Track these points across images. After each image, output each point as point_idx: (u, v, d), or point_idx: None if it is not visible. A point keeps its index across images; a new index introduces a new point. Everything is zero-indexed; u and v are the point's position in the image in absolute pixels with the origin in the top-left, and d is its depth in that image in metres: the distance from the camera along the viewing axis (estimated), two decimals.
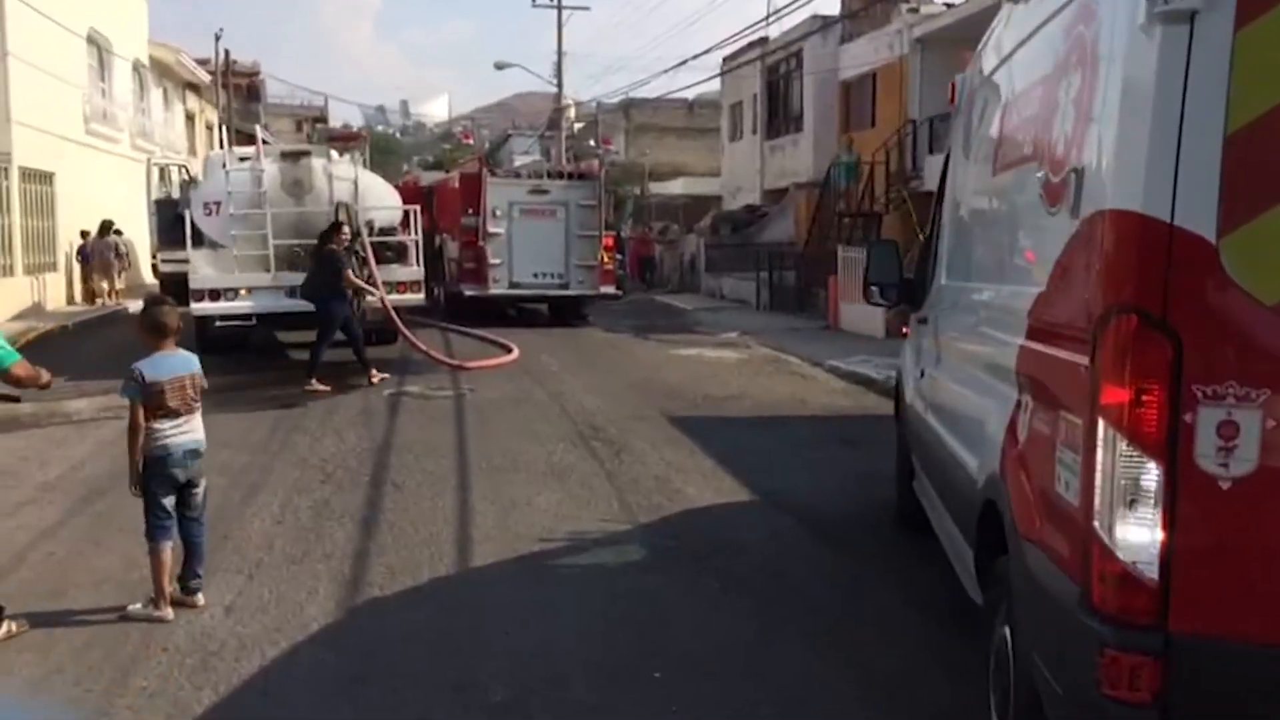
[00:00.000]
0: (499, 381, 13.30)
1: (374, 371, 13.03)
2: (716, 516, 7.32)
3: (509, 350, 15.65)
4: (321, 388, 12.35)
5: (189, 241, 14.32)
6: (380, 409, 11.35)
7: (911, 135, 23.02)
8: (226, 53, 38.65)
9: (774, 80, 31.23)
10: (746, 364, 15.55)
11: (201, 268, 14.33)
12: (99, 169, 24.91)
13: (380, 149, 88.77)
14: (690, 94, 44.24)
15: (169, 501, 5.55)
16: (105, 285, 23.30)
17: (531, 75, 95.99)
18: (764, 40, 30.94)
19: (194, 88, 37.70)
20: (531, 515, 7.23)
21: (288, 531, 6.84)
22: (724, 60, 33.41)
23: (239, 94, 43.50)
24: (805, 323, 21.07)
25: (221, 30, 40.01)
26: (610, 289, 20.94)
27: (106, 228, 23.34)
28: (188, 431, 5.68)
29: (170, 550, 5.50)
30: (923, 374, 5.90)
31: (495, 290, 19.86)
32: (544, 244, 19.91)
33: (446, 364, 14.06)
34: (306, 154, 15.02)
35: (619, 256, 27.02)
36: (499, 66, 41.99)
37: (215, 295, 14.01)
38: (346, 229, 13.41)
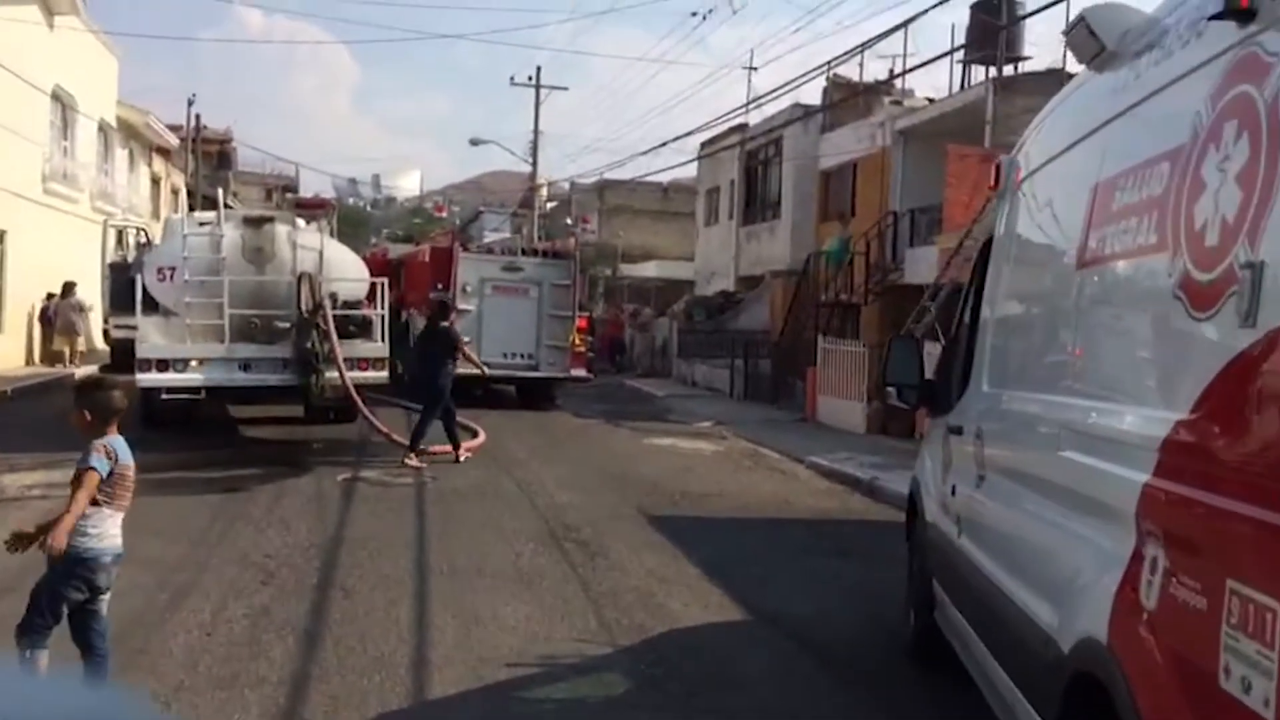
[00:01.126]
0: (464, 468, 12.44)
1: (463, 448, 13.13)
2: (707, 639, 6.49)
3: (475, 434, 14.80)
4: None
5: (139, 307, 13.45)
6: (334, 496, 10.45)
7: (892, 226, 22.66)
8: (197, 117, 38.15)
9: (752, 166, 31.02)
10: (724, 457, 14.79)
11: (151, 336, 13.43)
12: (56, 229, 24.00)
13: (350, 221, 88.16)
14: (665, 178, 44.11)
15: (65, 608, 4.71)
16: (68, 349, 22.77)
17: (505, 154, 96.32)
18: (743, 126, 30.78)
19: (162, 151, 36.99)
20: (498, 632, 6.37)
21: (217, 646, 5.93)
22: (702, 145, 33.24)
23: (209, 160, 42.88)
24: (781, 414, 20.39)
25: (195, 95, 39.57)
26: (581, 372, 20.18)
27: (69, 288, 22.70)
28: (117, 534, 4.88)
29: (46, 661, 4.65)
30: (954, 491, 5.17)
31: (462, 370, 18.99)
32: (515, 323, 19.17)
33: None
34: (270, 220, 14.28)
35: (590, 339, 26.35)
36: (474, 143, 41.97)
37: (163, 365, 13.10)
38: (442, 313, 13.87)
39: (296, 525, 9.04)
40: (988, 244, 5.36)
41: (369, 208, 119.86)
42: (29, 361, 22.90)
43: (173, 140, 36.03)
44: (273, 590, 7.05)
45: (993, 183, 5.18)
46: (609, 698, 5.45)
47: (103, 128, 28.64)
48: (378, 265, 22.13)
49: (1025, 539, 3.94)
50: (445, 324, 13.64)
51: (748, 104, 28.55)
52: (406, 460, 12.31)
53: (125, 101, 30.64)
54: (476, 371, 18.91)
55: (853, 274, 22.87)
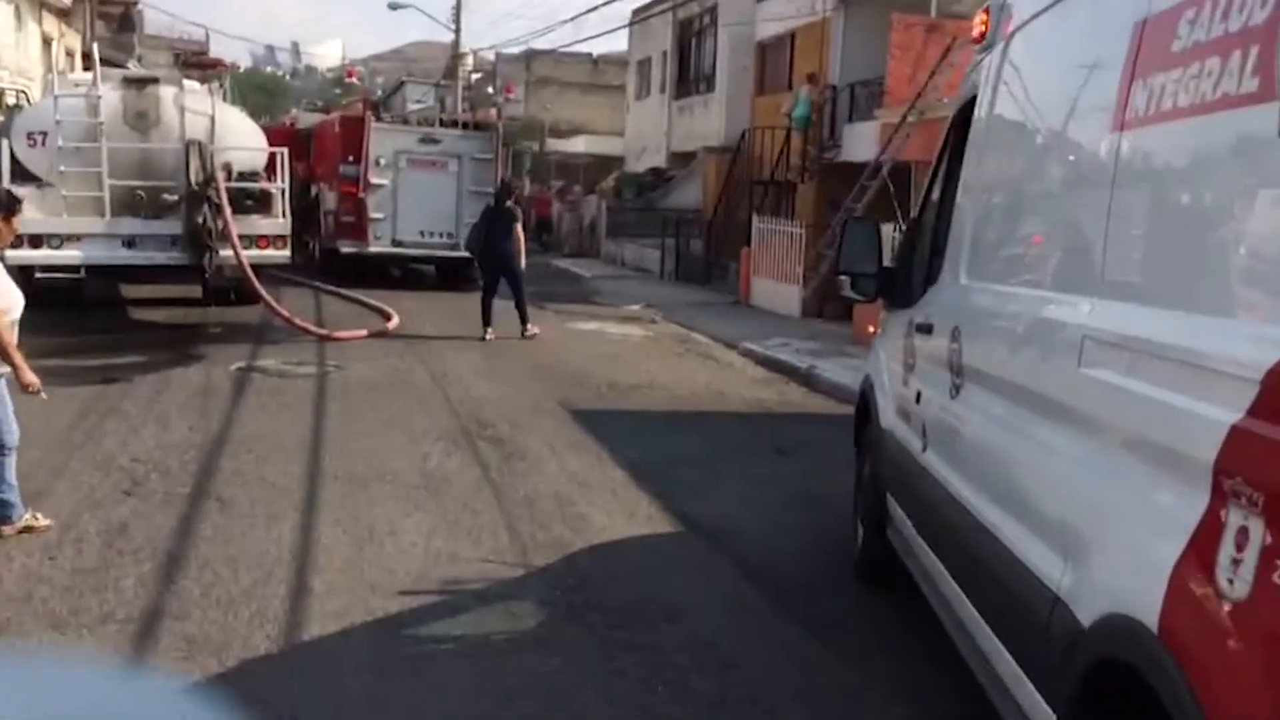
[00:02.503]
0: (373, 356, 11.51)
1: (528, 327, 13.43)
2: (633, 558, 5.78)
3: (387, 317, 13.84)
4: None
5: (5, 176, 12.11)
6: (224, 388, 9.49)
7: (831, 101, 21.67)
8: None
9: (686, 36, 29.59)
10: (654, 343, 14.02)
11: (24, 209, 12.11)
12: None
13: (269, 91, 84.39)
14: (596, 50, 42.39)
15: None
16: None
17: (430, 24, 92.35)
18: None
19: (60, 12, 34.27)
20: (395, 552, 5.58)
21: (58, 574, 5.06)
22: (634, 13, 31.68)
23: (110, 23, 40.00)
24: (714, 296, 19.63)
25: None
26: None
27: None
28: None
29: None
30: (919, 398, 4.43)
31: (376, 248, 17.89)
32: (433, 199, 17.96)
33: (310, 332, 12.20)
34: (154, 81, 12.91)
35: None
36: (393, 7, 39.36)
37: (36, 241, 11.87)
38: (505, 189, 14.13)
39: (176, 423, 8.10)
40: (965, 110, 4.52)
41: (288, 77, 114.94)
42: None
43: None
44: (135, 502, 6.16)
45: (976, 34, 4.31)
46: (518, 634, 4.71)
47: None
48: (286, 136, 20.67)
49: (1019, 467, 3.21)
50: (509, 203, 13.80)
51: None
52: (524, 334, 13.28)
53: None
54: (385, 251, 17.92)
55: (788, 151, 21.94)
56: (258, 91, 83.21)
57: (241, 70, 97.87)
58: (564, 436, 8.40)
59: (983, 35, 4.27)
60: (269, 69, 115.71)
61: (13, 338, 5.36)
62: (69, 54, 36.14)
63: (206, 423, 8.15)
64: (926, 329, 4.36)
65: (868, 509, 5.42)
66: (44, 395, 5.62)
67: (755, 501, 6.97)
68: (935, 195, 4.91)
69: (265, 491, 6.44)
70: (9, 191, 5.11)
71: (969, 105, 4.43)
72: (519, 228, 13.67)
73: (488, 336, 13.02)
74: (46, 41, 34.00)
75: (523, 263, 13.59)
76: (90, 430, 7.73)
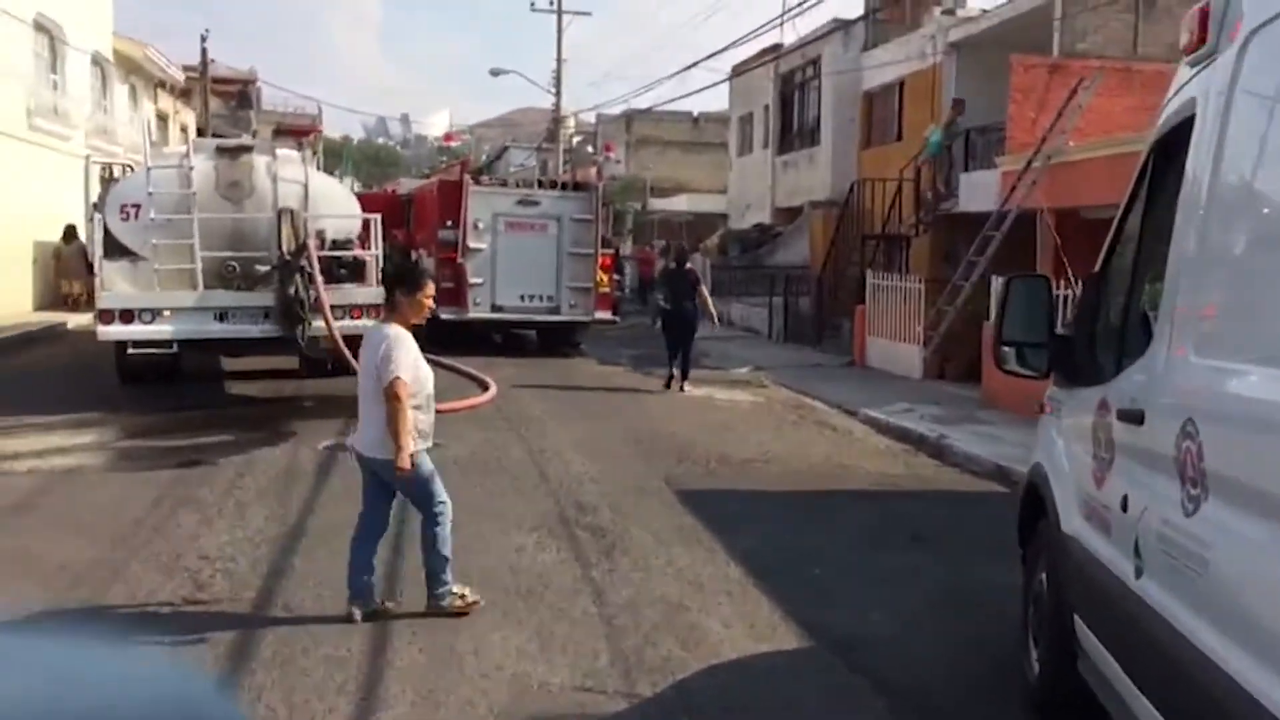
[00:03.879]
0: (469, 430, 10.84)
1: (686, 385, 14.35)
2: (758, 681, 4.87)
3: (485, 387, 13.22)
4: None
5: (99, 250, 11.90)
6: (308, 470, 8.89)
7: (946, 150, 20.65)
8: (204, 50, 36.28)
9: (788, 90, 28.90)
10: (766, 410, 13.11)
11: (116, 283, 11.89)
12: (46, 169, 22.48)
13: (381, 161, 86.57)
14: (696, 108, 42.01)
15: None
16: (75, 293, 21.88)
17: (535, 91, 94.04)
18: (778, 46, 28.63)
19: (177, 91, 35.37)
20: (477, 676, 4.78)
21: None
22: (734, 69, 31.16)
23: (228, 100, 41.13)
24: (826, 357, 18.65)
25: (208, 31, 37.83)
26: (606, 314, 18.49)
27: (70, 233, 21.92)
28: None
29: None
30: (1126, 505, 3.47)
31: (475, 314, 17.40)
32: (533, 262, 17.45)
33: None
34: (248, 150, 12.59)
35: (617, 277, 24.66)
36: (494, 73, 39.74)
37: (128, 316, 11.56)
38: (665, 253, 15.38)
39: (253, 512, 7.49)
40: (1172, 137, 3.61)
41: (400, 148, 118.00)
42: (37, 307, 21.81)
43: (177, 75, 34.33)
44: (194, 612, 5.49)
45: (1190, 43, 3.41)
46: None
47: (97, 61, 26.97)
48: (386, 202, 20.57)
49: None
50: (688, 266, 15.31)
51: (780, 17, 26.40)
52: (685, 389, 14.23)
53: (123, 35, 28.93)
54: (484, 316, 17.42)
55: (901, 204, 20.95)
56: (370, 162, 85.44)
57: (355, 142, 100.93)
58: (671, 523, 7.55)
59: (1197, 44, 3.36)
60: (380, 140, 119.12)
61: (408, 419, 5.30)
62: (184, 129, 37.18)
63: (285, 512, 7.52)
64: (1133, 417, 3.41)
65: (1048, 631, 4.42)
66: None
67: (893, 604, 6.01)
68: (1128, 246, 3.98)
69: (337, 596, 5.71)
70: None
71: (1178, 131, 3.52)
72: (704, 288, 15.24)
73: (685, 389, 14.27)
74: (162, 119, 35.01)
75: (714, 320, 15.89)
76: (160, 522, 7.15)
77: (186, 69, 35.46)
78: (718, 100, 35.35)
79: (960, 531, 7.71)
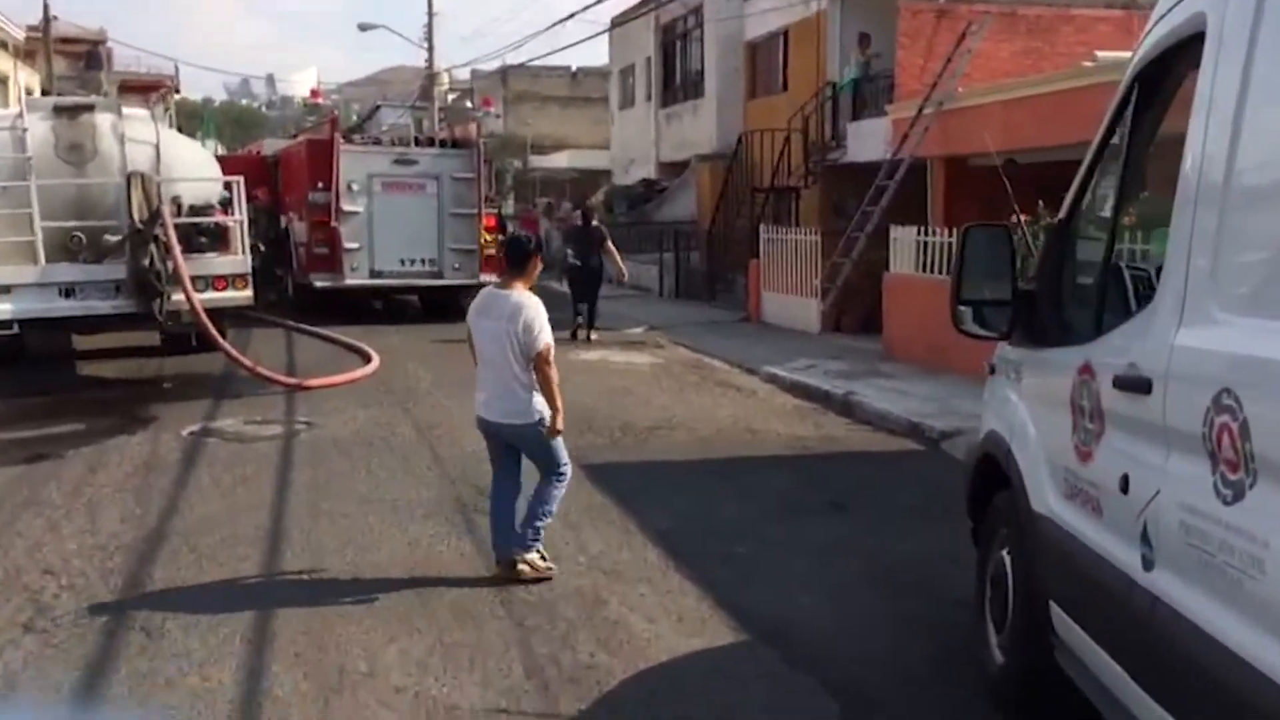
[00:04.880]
0: (351, 406, 10.06)
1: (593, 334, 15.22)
2: (694, 691, 4.33)
3: (367, 359, 12.39)
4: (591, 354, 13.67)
5: None
6: (171, 461, 8.01)
7: (831, 100, 20.33)
8: (45, 6, 33.81)
9: (669, 41, 28.23)
10: (665, 372, 12.60)
11: None
12: None
13: (245, 123, 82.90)
14: (574, 63, 41.09)
15: None
16: None
17: (404, 49, 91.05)
18: None
19: (13, 49, 32.82)
20: (374, 703, 4.13)
21: None
22: (613, 20, 30.36)
23: (74, 61, 38.47)
24: (721, 314, 18.23)
25: None
26: (492, 277, 17.64)
27: None
28: None
29: None
30: (1126, 485, 3.01)
31: (352, 281, 16.42)
32: (412, 225, 16.50)
33: (278, 382, 10.75)
34: (89, 109, 11.41)
35: (501, 238, 23.77)
36: (363, 28, 38.21)
37: None
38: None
39: (107, 512, 6.64)
40: (1163, 62, 3.13)
41: (265, 109, 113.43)
42: None
43: (16, 33, 31.92)
44: (36, 640, 4.70)
45: None
46: None
47: None
48: (250, 164, 19.27)
49: None
50: (594, 223, 16.37)
51: None
52: (591, 338, 15.04)
53: None
54: (362, 283, 16.47)
55: (790, 155, 20.56)
56: (234, 124, 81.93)
57: (216, 104, 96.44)
58: (579, 502, 6.95)
59: None
60: (244, 101, 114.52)
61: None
62: (29, 92, 34.69)
63: (144, 511, 6.68)
64: (1136, 385, 2.93)
65: (1017, 619, 3.98)
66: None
67: (823, 583, 5.55)
68: (1103, 190, 3.51)
69: (205, 612, 4.97)
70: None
71: (1174, 54, 3.04)
72: (610, 244, 16.01)
73: (592, 337, 15.10)
74: (1, 80, 32.56)
75: (624, 274, 17.24)
76: (3, 525, 6.26)
77: (29, 29, 33.00)
78: (596, 55, 34.53)
79: (881, 496, 7.31)
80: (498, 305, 5.48)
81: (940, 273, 12.27)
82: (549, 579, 5.43)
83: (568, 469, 5.62)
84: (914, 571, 5.71)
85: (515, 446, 5.55)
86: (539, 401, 5.37)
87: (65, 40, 36.62)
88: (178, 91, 59.23)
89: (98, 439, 8.62)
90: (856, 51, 19.27)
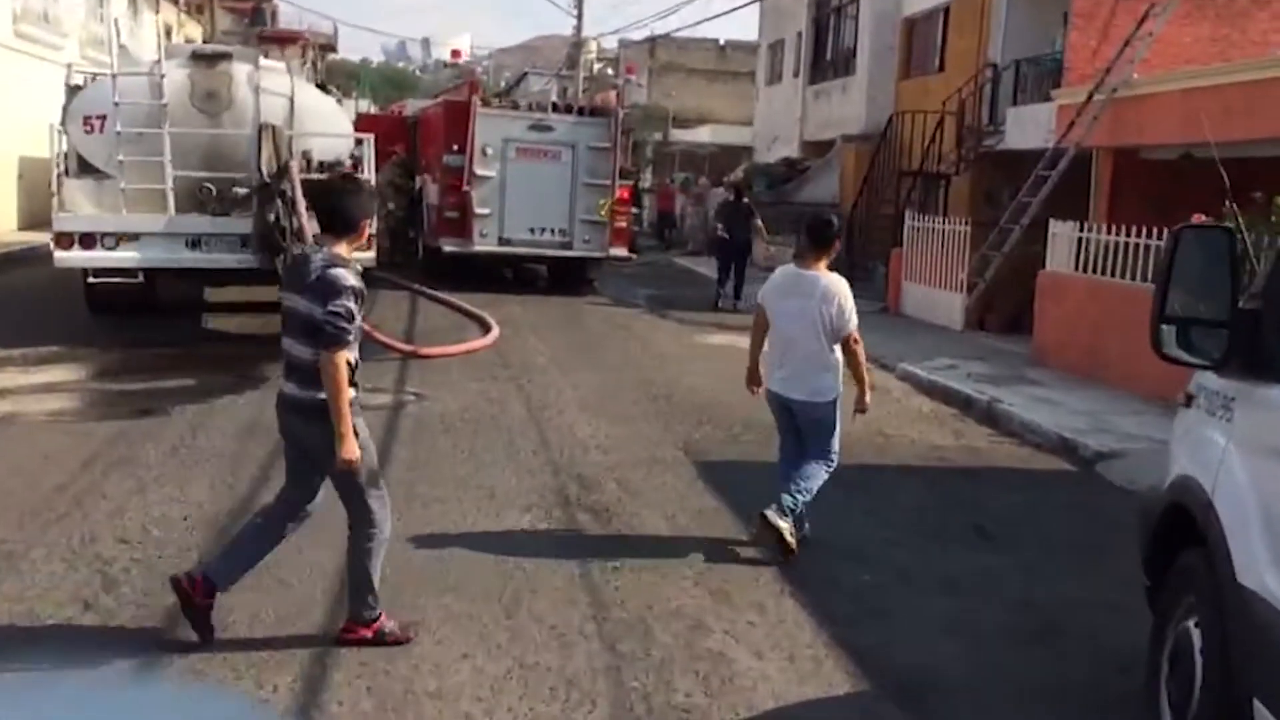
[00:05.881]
0: (464, 379, 9.70)
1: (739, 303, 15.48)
2: None
3: (487, 329, 12.04)
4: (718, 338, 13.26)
5: (59, 166, 10.71)
6: (272, 426, 7.65)
7: (992, 82, 19.16)
8: None
9: (823, 15, 27.19)
10: None
11: (78, 202, 10.71)
12: (33, 79, 21.15)
13: (397, 85, 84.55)
14: (722, 36, 40.23)
15: None
16: None
17: (558, 18, 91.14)
18: None
19: (184, 4, 33.82)
20: None
21: None
22: None
23: (240, 16, 39.43)
24: (858, 303, 17.14)
25: None
26: (622, 250, 17.18)
27: None
28: None
29: None
30: None
31: (481, 247, 16.12)
32: (544, 193, 16.09)
33: (394, 349, 10.45)
34: (226, 57, 11.29)
35: (635, 211, 23.33)
36: None
37: (88, 241, 10.42)
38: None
39: (199, 479, 6.36)
40: None
41: (418, 71, 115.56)
42: (22, 227, 20.56)
43: None
44: (90, 623, 4.37)
45: None
46: None
47: None
48: (389, 124, 19.27)
49: None
50: (744, 199, 17.39)
51: None
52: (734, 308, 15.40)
53: None
54: (490, 250, 16.17)
55: (941, 139, 19.48)
56: (388, 85, 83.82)
57: (374, 65, 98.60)
58: (690, 505, 6.40)
59: None
60: (400, 64, 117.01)
61: None
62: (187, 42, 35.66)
63: (235, 480, 6.38)
64: None
65: (1201, 710, 3.25)
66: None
67: (964, 628, 4.85)
68: None
69: (273, 606, 4.58)
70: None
71: None
72: (758, 221, 16.95)
73: (737, 306, 15.47)
74: (166, 32, 33.47)
75: (767, 246, 17.95)
76: (85, 491, 6.02)
77: None
78: (746, 29, 33.69)
79: (1030, 524, 6.54)
80: (804, 285, 5.52)
81: (1101, 272, 11.26)
82: (787, 560, 5.37)
83: (837, 457, 5.70)
84: (1071, 621, 4.97)
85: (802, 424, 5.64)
86: (837, 382, 5.54)
87: None
88: (334, 50, 60.60)
89: (206, 397, 8.42)
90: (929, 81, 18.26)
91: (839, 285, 5.51)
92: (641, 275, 19.71)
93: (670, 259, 25.00)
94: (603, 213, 16.28)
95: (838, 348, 5.53)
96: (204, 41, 33.90)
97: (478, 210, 15.90)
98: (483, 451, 7.32)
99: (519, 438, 7.75)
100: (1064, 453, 8.27)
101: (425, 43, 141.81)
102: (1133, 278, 10.65)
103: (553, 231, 16.33)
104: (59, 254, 10.38)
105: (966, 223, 15.10)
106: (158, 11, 32.13)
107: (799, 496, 5.45)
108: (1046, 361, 11.82)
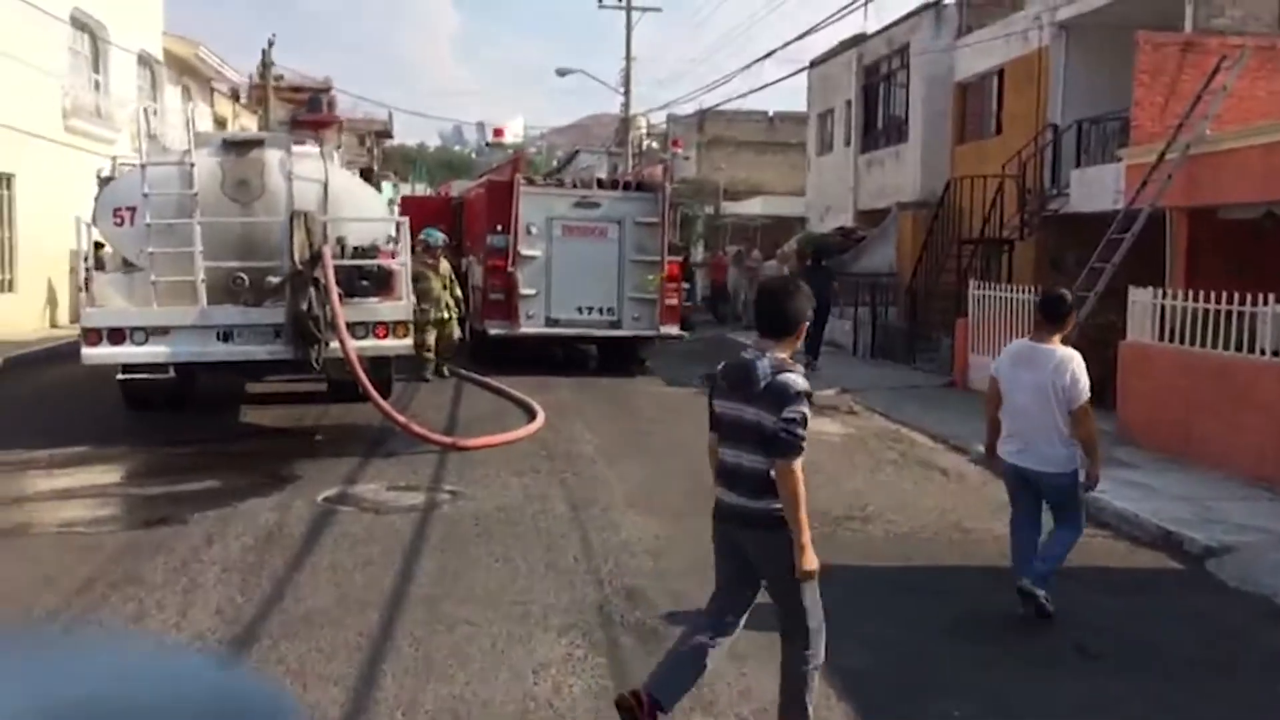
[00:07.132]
0: (505, 471, 9.09)
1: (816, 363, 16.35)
2: None
3: (532, 415, 11.46)
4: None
5: (86, 259, 10.41)
6: (296, 533, 7.14)
7: (1053, 143, 18.49)
8: (263, 53, 35.37)
9: (872, 82, 26.75)
10: (858, 444, 11.15)
11: (108, 297, 10.38)
12: (84, 172, 21.29)
13: (454, 168, 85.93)
14: (771, 108, 39.89)
15: None
16: None
17: (605, 95, 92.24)
18: (861, 36, 26.57)
19: (232, 93, 34.42)
20: None
21: None
22: (812, 61, 29.18)
23: (298, 106, 40.13)
24: (921, 377, 16.58)
25: (274, 36, 36.98)
26: (673, 329, 16.59)
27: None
28: None
29: None
30: None
31: (527, 329, 15.60)
32: (591, 271, 15.59)
33: (432, 440, 9.90)
34: (258, 144, 10.99)
35: (686, 286, 22.76)
36: (561, 73, 38.56)
37: (117, 337, 10.03)
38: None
39: (205, 600, 5.77)
40: None
41: (474, 154, 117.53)
42: (54, 324, 20.44)
43: (233, 75, 33.32)
44: None
45: None
46: None
47: (145, 60, 25.85)
48: (436, 207, 19.02)
49: None
50: (824, 263, 18.16)
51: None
52: (814, 367, 15.85)
53: (172, 33, 27.84)
54: (537, 331, 15.64)
55: (1002, 204, 18.79)
56: (444, 169, 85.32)
57: (431, 150, 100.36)
58: (749, 621, 5.67)
59: None
60: (456, 147, 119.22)
61: None
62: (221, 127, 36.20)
63: (245, 600, 5.78)
64: None
65: None
66: None
67: None
68: None
69: None
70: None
71: None
72: (834, 285, 17.83)
73: (817, 367, 16.06)
74: (220, 124, 34.00)
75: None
76: (77, 618, 5.46)
77: (260, 78, 34.57)
78: (794, 100, 33.39)
79: (1141, 638, 5.71)
80: (1040, 358, 5.73)
81: (1182, 341, 10.44)
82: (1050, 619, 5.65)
83: (1084, 525, 6.05)
84: None
85: (1040, 494, 5.87)
86: (1076, 453, 5.70)
87: (294, 89, 38.26)
88: (390, 136, 61.10)
89: (228, 501, 7.87)
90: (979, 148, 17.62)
91: (1073, 358, 5.69)
92: (696, 352, 19.05)
93: (724, 334, 24.37)
94: (651, 290, 15.72)
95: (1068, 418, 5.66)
96: (259, 127, 34.41)
97: (523, 291, 15.43)
98: (519, 558, 6.67)
99: (559, 541, 7.09)
100: (1167, 547, 7.43)
101: (480, 126, 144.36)
102: (1221, 347, 9.84)
103: (601, 310, 15.80)
104: (87, 351, 10.00)
105: (1035, 290, 14.32)
106: (211, 104, 32.66)
107: (1048, 564, 5.77)
108: (1133, 440, 10.95)
